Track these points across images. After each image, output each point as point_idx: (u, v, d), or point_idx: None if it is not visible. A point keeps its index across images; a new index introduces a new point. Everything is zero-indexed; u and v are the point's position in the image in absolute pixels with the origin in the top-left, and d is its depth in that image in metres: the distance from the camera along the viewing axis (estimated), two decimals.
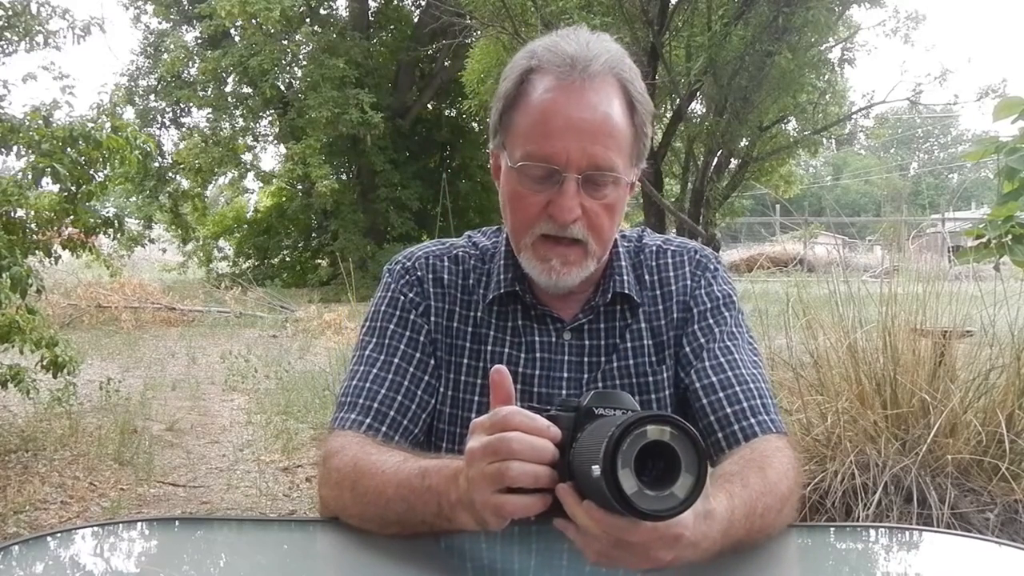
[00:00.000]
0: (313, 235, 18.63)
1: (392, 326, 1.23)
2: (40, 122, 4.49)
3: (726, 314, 1.24)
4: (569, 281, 1.16)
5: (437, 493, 0.94)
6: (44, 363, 4.38)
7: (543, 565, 1.04)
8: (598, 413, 0.84)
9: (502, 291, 1.23)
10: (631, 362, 1.23)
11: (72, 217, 4.66)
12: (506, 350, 1.22)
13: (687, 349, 1.22)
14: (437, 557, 1.02)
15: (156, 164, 15.14)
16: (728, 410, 1.16)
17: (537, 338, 1.22)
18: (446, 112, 19.14)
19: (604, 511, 0.79)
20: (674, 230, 9.16)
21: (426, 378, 1.21)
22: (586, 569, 0.97)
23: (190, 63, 17.01)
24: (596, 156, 1.09)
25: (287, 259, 18.75)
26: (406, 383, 1.20)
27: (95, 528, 1.12)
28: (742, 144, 10.26)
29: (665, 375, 1.23)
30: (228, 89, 17.51)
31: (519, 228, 1.16)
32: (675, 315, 1.25)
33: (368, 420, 1.16)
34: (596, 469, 0.75)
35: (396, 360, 1.21)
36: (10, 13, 5.25)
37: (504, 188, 1.17)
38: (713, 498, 0.88)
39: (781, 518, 1.04)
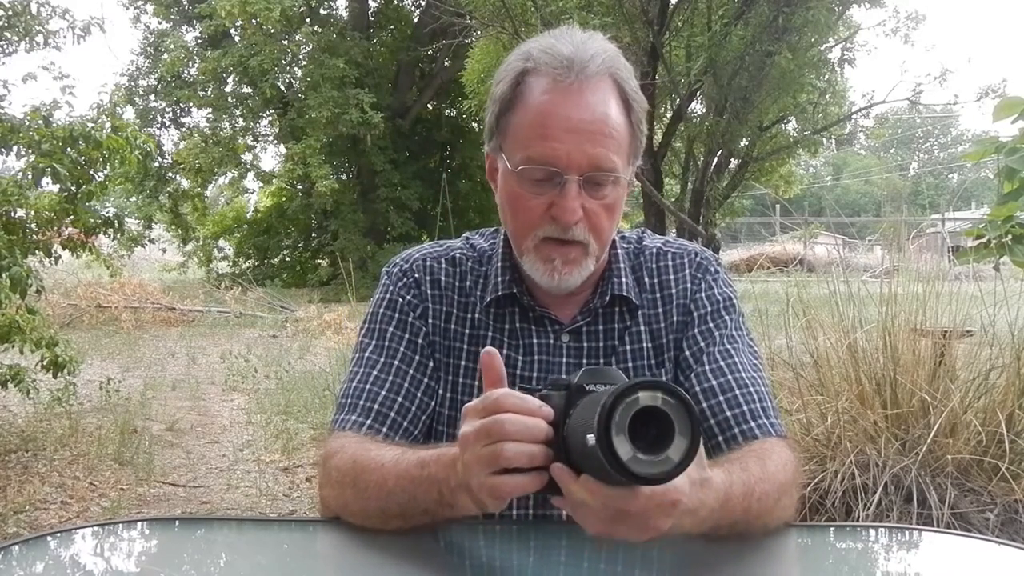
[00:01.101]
0: (313, 235, 18.63)
1: (391, 328, 1.23)
2: (40, 122, 4.49)
3: (726, 317, 1.24)
4: (571, 281, 1.16)
5: (437, 481, 0.95)
6: (44, 363, 4.38)
7: (541, 562, 1.04)
8: (589, 390, 0.85)
9: (500, 293, 1.23)
10: (629, 365, 1.23)
11: (72, 217, 4.66)
12: (504, 352, 1.22)
13: (687, 352, 1.22)
14: (437, 556, 1.03)
15: (156, 164, 15.14)
16: (728, 413, 1.16)
17: (535, 340, 1.22)
18: (446, 112, 19.14)
19: (601, 483, 0.80)
20: (674, 230, 9.16)
21: (425, 380, 1.21)
22: (584, 565, 0.98)
23: (190, 63, 17.01)
24: (596, 157, 1.10)
25: (287, 259, 18.75)
26: (406, 385, 1.20)
27: (95, 528, 1.13)
28: (742, 144, 10.27)
29: (664, 378, 1.23)
30: (228, 89, 17.51)
31: (521, 232, 1.16)
32: (675, 318, 1.25)
33: (368, 421, 1.16)
34: (591, 438, 0.75)
35: (395, 362, 1.21)
36: (10, 13, 5.25)
37: (503, 191, 1.17)
38: (710, 469, 0.90)
39: (779, 508, 1.04)
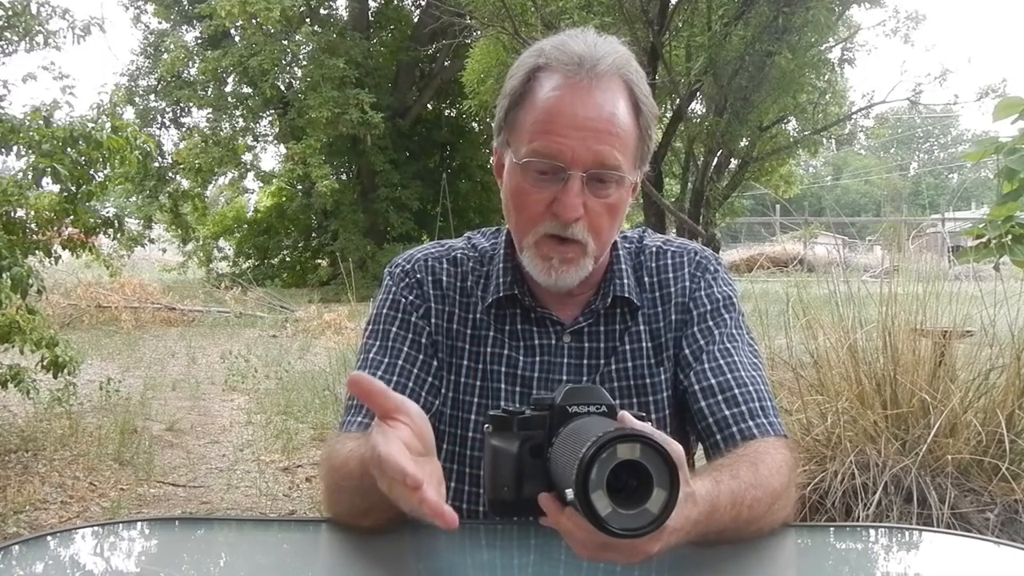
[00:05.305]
0: (313, 235, 18.63)
1: (394, 329, 1.24)
2: (40, 122, 4.49)
3: (726, 316, 1.24)
4: (568, 280, 1.16)
5: (376, 485, 0.90)
6: (44, 363, 4.38)
7: (542, 560, 1.04)
8: (572, 412, 0.86)
9: (501, 294, 1.23)
10: (629, 364, 1.23)
11: (72, 217, 4.66)
12: (505, 352, 1.22)
13: (686, 351, 1.22)
14: (437, 556, 1.03)
15: (156, 164, 15.13)
16: (727, 412, 1.16)
17: (537, 341, 1.23)
18: (446, 112, 19.13)
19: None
20: (674, 230, 9.15)
21: (429, 379, 1.22)
22: (584, 564, 0.98)
23: (190, 63, 16.99)
24: (601, 154, 1.10)
25: (287, 259, 18.75)
26: (410, 384, 1.20)
27: (95, 528, 1.13)
28: (742, 144, 10.24)
29: (663, 377, 1.23)
30: (228, 89, 17.50)
31: (523, 226, 1.16)
32: (674, 317, 1.25)
33: (371, 422, 1.16)
34: (569, 493, 0.76)
35: (399, 362, 1.21)
36: (10, 13, 5.24)
37: (508, 185, 1.17)
38: (697, 482, 0.90)
39: (772, 513, 1.04)
